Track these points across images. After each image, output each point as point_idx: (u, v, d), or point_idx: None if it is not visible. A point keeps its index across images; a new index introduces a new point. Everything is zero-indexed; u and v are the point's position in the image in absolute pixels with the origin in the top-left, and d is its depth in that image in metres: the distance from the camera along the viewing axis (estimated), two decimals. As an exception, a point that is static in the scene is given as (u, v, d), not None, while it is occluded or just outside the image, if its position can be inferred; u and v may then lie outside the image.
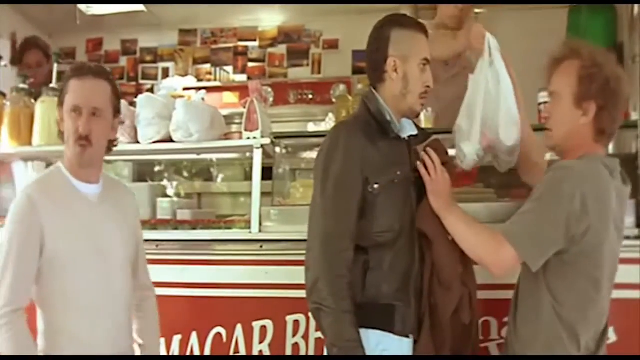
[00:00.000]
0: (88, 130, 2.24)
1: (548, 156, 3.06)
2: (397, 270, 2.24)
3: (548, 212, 2.04)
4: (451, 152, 2.44)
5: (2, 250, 2.18)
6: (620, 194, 2.16)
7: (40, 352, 2.21)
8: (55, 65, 3.65)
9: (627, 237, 2.58)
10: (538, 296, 2.10)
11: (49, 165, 3.78)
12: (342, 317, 2.14)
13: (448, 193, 2.26)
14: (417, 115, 2.41)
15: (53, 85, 3.55)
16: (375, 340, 2.20)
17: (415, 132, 2.38)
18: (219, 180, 4.45)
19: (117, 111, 2.37)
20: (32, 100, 3.51)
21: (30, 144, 3.42)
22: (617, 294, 2.19)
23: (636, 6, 2.95)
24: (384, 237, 2.24)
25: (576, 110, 2.15)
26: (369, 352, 2.17)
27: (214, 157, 3.98)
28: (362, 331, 2.17)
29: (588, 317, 2.07)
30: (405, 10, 5.00)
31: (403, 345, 2.23)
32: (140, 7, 5.09)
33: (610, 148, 3.28)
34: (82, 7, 4.91)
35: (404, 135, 2.34)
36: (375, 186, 2.22)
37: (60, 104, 2.30)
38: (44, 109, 3.42)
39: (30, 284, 2.20)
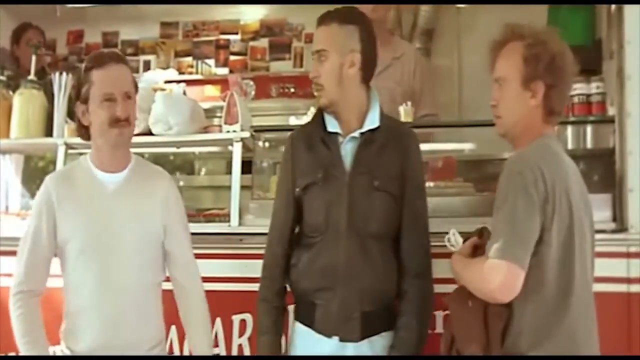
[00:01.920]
0: (127, 113, 2.30)
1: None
2: (316, 268, 2.28)
3: (520, 208, 2.00)
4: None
5: (24, 233, 2.36)
6: (575, 170, 2.16)
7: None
8: (34, 57, 3.60)
9: (604, 231, 2.62)
10: None
11: (27, 158, 3.76)
12: (259, 305, 2.41)
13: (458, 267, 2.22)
14: (326, 108, 2.34)
15: (31, 77, 3.51)
16: (298, 332, 2.34)
17: (336, 129, 2.32)
18: (201, 173, 4.45)
19: (136, 92, 2.42)
20: (10, 92, 3.48)
21: (8, 136, 3.39)
22: (594, 287, 2.20)
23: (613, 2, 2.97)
24: (311, 236, 2.32)
25: (525, 93, 2.12)
26: (296, 344, 2.34)
27: (195, 150, 3.97)
28: (296, 323, 2.36)
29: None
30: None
31: (324, 344, 2.26)
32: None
33: (588, 143, 3.33)
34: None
35: (331, 130, 2.33)
36: (297, 190, 2.33)
37: (83, 98, 2.29)
38: (22, 101, 3.40)
39: (44, 269, 2.33)
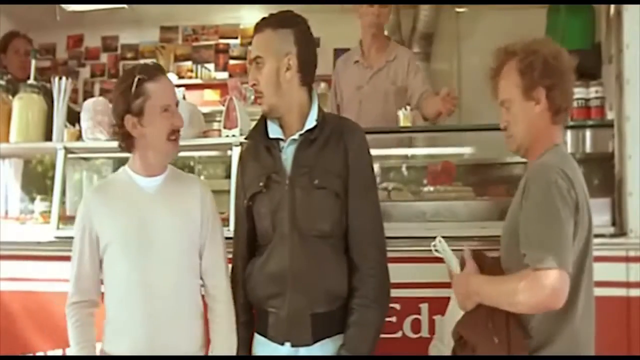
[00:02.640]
0: (183, 123, 2.37)
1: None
2: (265, 275, 2.26)
3: (562, 215, 2.00)
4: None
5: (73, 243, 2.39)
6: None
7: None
8: (33, 62, 3.61)
9: (603, 235, 2.62)
10: None
11: (27, 162, 3.76)
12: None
13: (467, 290, 2.17)
14: (268, 114, 2.31)
15: (31, 81, 3.51)
16: (257, 343, 2.32)
17: (277, 134, 2.30)
18: (200, 177, 4.45)
19: None
20: (10, 97, 3.48)
21: (7, 140, 3.38)
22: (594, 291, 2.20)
23: (612, 7, 2.97)
24: (262, 244, 2.31)
25: (528, 103, 2.15)
26: (256, 354, 2.32)
27: (194, 154, 3.97)
28: (255, 334, 2.34)
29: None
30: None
31: (279, 352, 2.23)
32: (121, 4, 5.06)
33: (587, 147, 3.33)
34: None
35: (272, 136, 2.31)
36: (245, 201, 2.33)
37: (136, 111, 2.27)
38: (21, 105, 3.39)
39: (93, 278, 2.35)
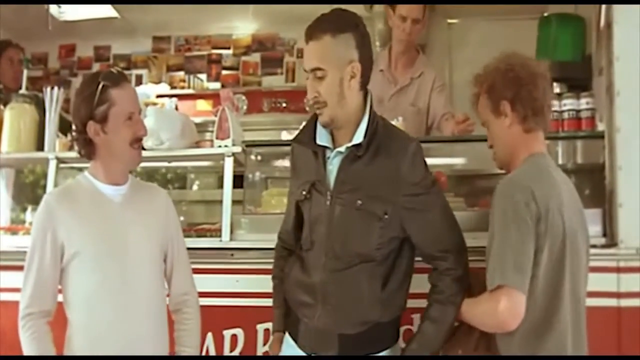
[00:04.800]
0: (145, 132, 2.35)
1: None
2: (300, 283, 2.25)
3: (513, 233, 2.02)
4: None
5: (27, 254, 2.30)
6: (568, 185, 2.20)
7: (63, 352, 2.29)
8: (25, 71, 3.60)
9: (594, 246, 2.62)
10: None
11: (18, 172, 3.75)
12: (272, 282, 2.44)
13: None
14: (328, 126, 2.17)
15: (23, 91, 3.51)
16: (286, 343, 2.31)
17: (325, 142, 2.19)
18: (192, 188, 4.44)
19: None
20: (1, 106, 3.47)
21: (-1, 150, 3.38)
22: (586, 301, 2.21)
23: (602, 18, 2.99)
24: (302, 248, 2.28)
25: (499, 120, 2.23)
26: (283, 352, 2.32)
27: (187, 164, 3.96)
28: (286, 332, 2.33)
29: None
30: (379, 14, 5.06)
31: None
32: (113, 14, 5.06)
33: (578, 158, 3.35)
34: (55, 12, 4.87)
35: (320, 143, 2.20)
36: (297, 200, 2.28)
37: (100, 117, 2.24)
38: (13, 115, 3.39)
39: (52, 287, 2.29)
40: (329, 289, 2.16)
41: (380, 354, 2.20)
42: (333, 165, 2.18)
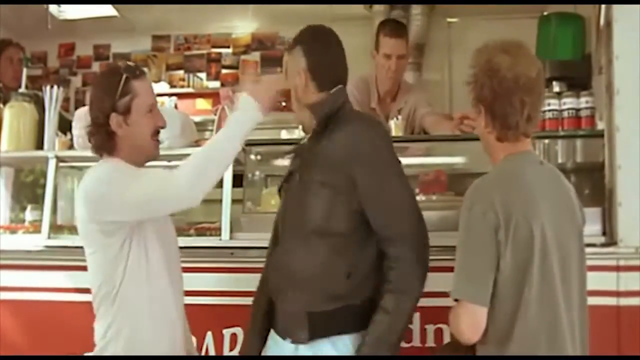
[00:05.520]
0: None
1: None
2: (272, 268, 2.37)
3: (468, 245, 2.01)
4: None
5: None
6: (553, 184, 2.13)
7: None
8: (25, 70, 3.60)
9: (594, 245, 2.63)
10: None
11: (18, 171, 3.75)
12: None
13: None
14: (303, 129, 2.47)
15: (22, 90, 3.51)
16: (270, 335, 2.35)
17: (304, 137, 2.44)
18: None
19: None
20: (1, 105, 3.47)
21: (-2, 149, 3.38)
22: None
23: (602, 17, 2.99)
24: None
25: (478, 115, 2.15)
26: (268, 345, 2.34)
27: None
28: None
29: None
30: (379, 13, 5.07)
31: (282, 346, 2.27)
32: (113, 12, 5.06)
33: (577, 157, 3.35)
34: (54, 11, 4.88)
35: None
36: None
37: (123, 109, 2.23)
38: (13, 114, 3.38)
39: None
40: (295, 265, 2.22)
41: (350, 334, 2.18)
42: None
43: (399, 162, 2.26)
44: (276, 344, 2.29)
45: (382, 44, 3.62)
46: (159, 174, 2.21)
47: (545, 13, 4.34)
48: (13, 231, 3.32)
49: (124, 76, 2.23)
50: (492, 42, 2.17)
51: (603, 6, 2.96)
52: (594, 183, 2.90)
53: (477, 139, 2.97)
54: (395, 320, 2.14)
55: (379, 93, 3.75)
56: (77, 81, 6.00)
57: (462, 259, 2.02)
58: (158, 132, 2.33)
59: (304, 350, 2.19)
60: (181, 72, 5.87)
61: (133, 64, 2.34)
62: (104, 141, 2.26)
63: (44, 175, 3.34)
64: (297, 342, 2.21)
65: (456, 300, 2.02)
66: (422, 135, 3.58)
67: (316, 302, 2.18)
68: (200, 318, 2.93)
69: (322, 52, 2.34)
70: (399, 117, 3.25)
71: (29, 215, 3.40)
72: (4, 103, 3.48)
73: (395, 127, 3.20)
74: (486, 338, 2.01)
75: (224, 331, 2.95)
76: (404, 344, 2.70)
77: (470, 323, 1.99)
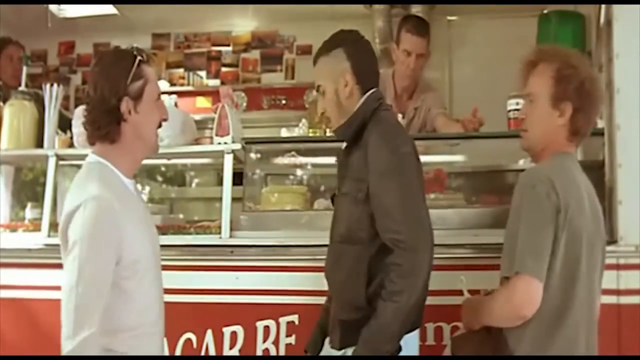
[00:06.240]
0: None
1: (522, 162, 3.10)
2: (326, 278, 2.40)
3: (534, 221, 2.04)
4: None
5: (79, 264, 1.90)
6: (587, 185, 2.20)
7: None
8: (25, 68, 3.60)
9: (594, 244, 2.63)
10: None
11: (17, 169, 3.75)
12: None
13: (469, 317, 2.24)
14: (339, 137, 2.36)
15: (22, 88, 3.50)
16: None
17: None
18: (192, 185, 4.44)
19: None
20: (1, 103, 3.46)
21: (-2, 147, 3.37)
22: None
23: (602, 15, 2.99)
24: None
25: (553, 111, 2.17)
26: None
27: (187, 162, 3.96)
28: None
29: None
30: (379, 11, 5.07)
31: (329, 350, 2.33)
32: (113, 11, 5.06)
33: (578, 155, 3.34)
34: (54, 9, 4.87)
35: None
36: None
37: (136, 94, 2.05)
38: (12, 112, 3.38)
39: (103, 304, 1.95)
40: (330, 275, 2.32)
41: None
42: None
43: (418, 170, 2.25)
44: (327, 348, 2.35)
45: (403, 39, 3.62)
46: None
47: (545, 11, 4.34)
48: (13, 229, 3.32)
49: (137, 59, 2.08)
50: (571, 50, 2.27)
51: (603, 5, 2.96)
52: (595, 181, 2.87)
53: (477, 138, 2.98)
54: (381, 325, 2.11)
55: (396, 89, 3.74)
56: (77, 79, 5.99)
57: (525, 235, 2.03)
58: (160, 125, 2.18)
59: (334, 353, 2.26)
60: (181, 70, 5.86)
61: (142, 48, 2.17)
62: (110, 128, 2.05)
63: (44, 173, 3.34)
64: (333, 347, 2.27)
65: (506, 278, 2.04)
66: (421, 134, 3.58)
67: (345, 310, 2.24)
68: (200, 316, 2.94)
69: (365, 52, 2.33)
70: (401, 115, 3.24)
71: (29, 213, 3.40)
72: (4, 101, 3.47)
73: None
74: (528, 323, 2.03)
75: (224, 329, 2.94)
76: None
77: (529, 297, 2.00)
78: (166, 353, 2.88)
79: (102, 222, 1.94)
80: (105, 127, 2.06)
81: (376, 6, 5.07)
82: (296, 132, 3.53)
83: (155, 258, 2.15)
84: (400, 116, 3.58)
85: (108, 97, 2.03)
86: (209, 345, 2.95)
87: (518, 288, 2.00)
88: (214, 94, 5.29)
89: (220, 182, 3.22)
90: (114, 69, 2.07)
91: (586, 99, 2.15)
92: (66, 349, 1.87)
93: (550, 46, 2.28)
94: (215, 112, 3.18)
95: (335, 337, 2.26)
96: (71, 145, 3.26)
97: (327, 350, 2.33)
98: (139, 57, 2.08)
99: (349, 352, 2.18)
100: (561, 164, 2.16)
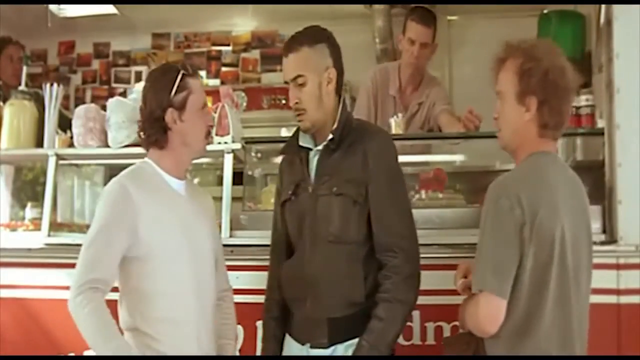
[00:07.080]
0: None
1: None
2: (289, 277, 2.39)
3: (494, 237, 2.02)
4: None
5: (90, 230, 2.22)
6: (571, 184, 2.16)
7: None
8: (25, 68, 3.60)
9: (594, 243, 2.62)
10: None
11: (18, 169, 3.75)
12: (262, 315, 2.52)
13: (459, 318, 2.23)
14: (308, 131, 2.35)
15: (22, 87, 3.50)
16: (286, 342, 2.40)
17: (307, 144, 2.37)
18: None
19: None
20: (1, 103, 3.47)
21: (-2, 147, 3.38)
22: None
23: (602, 15, 2.99)
24: (294, 247, 2.41)
25: (519, 107, 2.13)
26: (284, 352, 2.39)
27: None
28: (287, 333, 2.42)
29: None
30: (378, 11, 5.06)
31: (300, 351, 2.32)
32: (113, 10, 5.06)
33: (578, 155, 3.35)
34: (54, 9, 4.87)
35: (302, 144, 2.37)
36: (279, 208, 2.45)
37: (179, 105, 2.27)
38: (12, 111, 3.38)
39: (114, 266, 2.19)
40: (315, 273, 2.28)
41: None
42: (314, 163, 2.35)
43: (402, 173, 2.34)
44: (291, 349, 2.35)
45: (408, 28, 3.66)
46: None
47: (545, 11, 4.34)
48: (13, 229, 3.33)
49: (181, 72, 2.28)
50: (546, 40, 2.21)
51: (603, 5, 2.96)
52: (594, 181, 2.90)
53: (477, 137, 2.98)
54: (388, 328, 2.20)
55: (401, 81, 3.75)
56: (77, 79, 5.99)
57: (486, 251, 2.03)
58: (209, 132, 2.39)
59: (321, 353, 2.26)
60: (181, 70, 5.86)
61: (188, 63, 2.39)
62: (158, 136, 2.29)
63: (44, 173, 3.35)
64: (316, 347, 2.27)
65: (477, 292, 2.03)
66: (421, 134, 3.58)
67: (337, 308, 2.26)
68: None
69: (341, 58, 2.36)
70: (399, 115, 3.24)
71: (29, 213, 3.40)
72: (4, 101, 3.48)
73: (395, 125, 3.20)
74: (500, 332, 2.02)
75: (224, 329, 2.94)
76: (404, 342, 2.72)
77: (489, 314, 2.01)
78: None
79: (114, 199, 2.22)
80: (153, 135, 2.30)
81: (376, 6, 5.07)
82: (296, 131, 3.53)
83: (192, 255, 2.28)
84: (402, 109, 3.62)
85: (154, 109, 2.27)
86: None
87: (480, 305, 2.01)
88: (214, 94, 5.29)
89: (220, 182, 3.22)
90: (159, 83, 2.30)
91: (551, 90, 2.09)
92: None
93: (517, 41, 2.19)
94: (215, 112, 3.18)
95: (320, 336, 2.26)
96: (71, 145, 3.26)
97: (304, 351, 2.30)
98: (182, 71, 2.28)
99: (338, 348, 2.24)
100: (534, 167, 2.12)
